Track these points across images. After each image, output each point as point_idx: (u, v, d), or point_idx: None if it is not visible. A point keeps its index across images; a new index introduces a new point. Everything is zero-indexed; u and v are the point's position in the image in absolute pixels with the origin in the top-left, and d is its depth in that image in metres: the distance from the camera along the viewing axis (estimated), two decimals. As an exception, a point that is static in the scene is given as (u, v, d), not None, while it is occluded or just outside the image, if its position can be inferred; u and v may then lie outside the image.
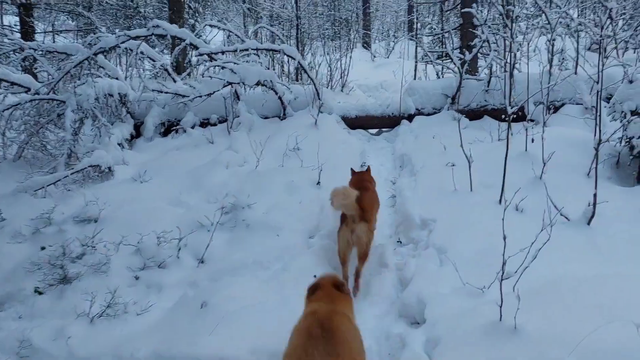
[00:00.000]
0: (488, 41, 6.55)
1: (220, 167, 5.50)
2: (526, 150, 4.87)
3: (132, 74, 7.75)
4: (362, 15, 19.29)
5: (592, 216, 3.52)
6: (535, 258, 2.54)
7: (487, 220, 3.81)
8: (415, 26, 14.43)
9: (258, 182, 4.93)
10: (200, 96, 6.24)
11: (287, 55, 6.68)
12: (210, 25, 8.19)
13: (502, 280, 2.51)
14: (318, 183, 4.85)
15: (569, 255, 3.16)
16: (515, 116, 7.12)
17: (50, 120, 6.23)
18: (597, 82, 3.67)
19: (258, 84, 6.56)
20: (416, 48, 13.52)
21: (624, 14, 12.93)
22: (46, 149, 6.41)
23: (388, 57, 18.14)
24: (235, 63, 6.41)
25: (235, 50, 6.15)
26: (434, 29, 13.85)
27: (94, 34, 14.59)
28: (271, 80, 6.63)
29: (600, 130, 3.66)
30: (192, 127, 7.18)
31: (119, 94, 6.75)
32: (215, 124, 7.30)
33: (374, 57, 18.12)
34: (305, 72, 6.93)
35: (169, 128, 7.31)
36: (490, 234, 3.56)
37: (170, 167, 5.76)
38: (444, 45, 12.01)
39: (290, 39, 12.79)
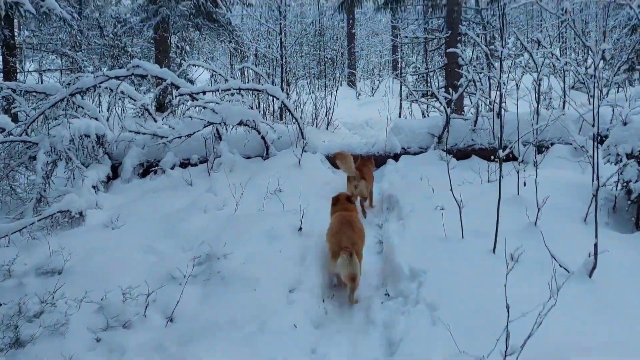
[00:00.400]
0: (474, 81, 6.46)
1: (197, 212, 5.21)
2: (518, 193, 4.67)
3: (113, 114, 7.54)
4: (347, 54, 19.47)
5: (594, 268, 3.29)
6: (540, 325, 2.27)
7: (481, 272, 3.55)
8: (399, 65, 14.53)
9: (236, 228, 4.64)
10: (180, 137, 6.00)
11: (271, 95, 6.51)
12: (194, 65, 8.02)
13: (505, 356, 2.23)
14: (300, 229, 4.58)
15: (574, 313, 2.90)
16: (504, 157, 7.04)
17: (22, 163, 5.93)
18: (593, 125, 3.50)
19: (240, 124, 6.36)
20: (401, 87, 13.57)
21: (603, 51, 13.09)
22: (15, 193, 6.08)
23: (373, 96, 18.21)
24: (217, 103, 6.23)
25: (217, 90, 5.97)
26: (418, 68, 13.94)
27: (82, 72, 14.49)
28: (254, 120, 6.44)
29: (598, 176, 3.46)
30: (172, 168, 6.92)
31: (96, 134, 6.50)
32: (196, 164, 7.06)
33: (359, 95, 18.18)
34: (289, 111, 6.77)
35: (147, 169, 7.04)
36: (486, 288, 3.30)
37: (145, 211, 5.46)
38: (428, 84, 12.04)
39: (276, 77, 12.75)
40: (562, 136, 7.04)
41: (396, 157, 7.27)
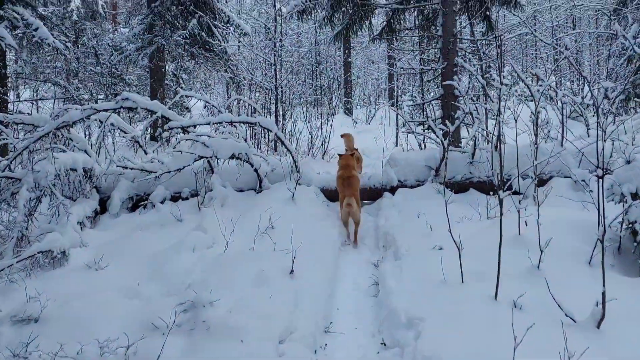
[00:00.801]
0: (471, 113, 6.34)
1: (185, 251, 4.99)
2: (519, 233, 4.48)
3: (105, 144, 7.38)
4: (343, 82, 19.54)
5: (602, 318, 3.08)
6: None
7: (483, 321, 3.34)
8: (395, 94, 14.51)
9: (225, 270, 4.43)
10: (169, 172, 5.82)
11: (264, 128, 6.37)
12: (186, 96, 7.91)
13: None
14: (291, 272, 4.36)
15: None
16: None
17: (3, 200, 5.73)
18: (598, 167, 3.34)
19: (232, 157, 6.20)
20: (397, 115, 13.51)
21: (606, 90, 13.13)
22: (-4, 231, 5.85)
23: (369, 124, 18.18)
24: (208, 136, 6.08)
25: (209, 123, 5.83)
26: (414, 97, 13.92)
27: (75, 101, 14.37)
28: (246, 153, 6.28)
29: (604, 222, 3.29)
30: (162, 202, 6.73)
31: (83, 168, 6.33)
32: (187, 198, 6.88)
33: (356, 123, 18.15)
34: (283, 144, 6.62)
35: (137, 202, 6.85)
36: (488, 340, 3.09)
37: (131, 250, 5.24)
38: (425, 113, 11.97)
39: (272, 104, 12.70)
40: (561, 169, 6.90)
41: (393, 190, 7.11)
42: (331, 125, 11.22)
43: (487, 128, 7.61)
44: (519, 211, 4.45)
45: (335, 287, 4.62)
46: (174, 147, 5.93)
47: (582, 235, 4.37)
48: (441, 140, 6.68)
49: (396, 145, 13.46)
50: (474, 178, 7.04)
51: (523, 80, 6.42)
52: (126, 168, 5.91)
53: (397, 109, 13.85)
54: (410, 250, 4.86)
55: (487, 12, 9.31)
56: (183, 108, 19.36)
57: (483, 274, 3.96)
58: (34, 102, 15.84)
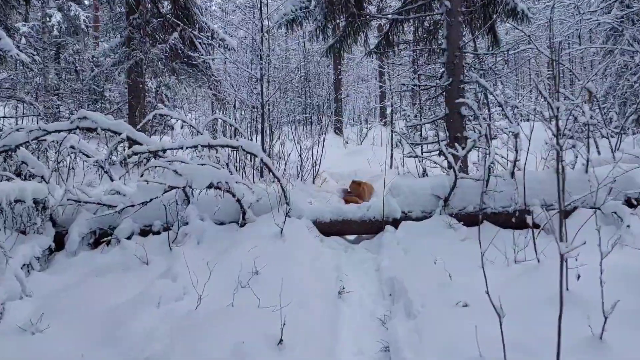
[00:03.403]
0: (486, 135, 5.51)
1: (149, 306, 4.02)
2: (567, 288, 3.59)
3: (59, 172, 6.42)
4: (333, 100, 18.79)
5: None
6: None
7: None
8: (390, 112, 13.74)
9: (195, 336, 3.47)
10: (133, 205, 4.87)
11: (247, 152, 5.46)
12: (160, 115, 6.99)
13: None
14: (280, 342, 3.40)
15: None
16: (514, 220, 6.02)
17: None
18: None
19: (210, 187, 5.28)
20: (391, 136, 12.70)
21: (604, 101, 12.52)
22: None
23: (361, 144, 17.39)
24: (182, 162, 5.16)
25: (182, 148, 4.91)
26: (409, 116, 13.16)
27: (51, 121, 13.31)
28: (226, 182, 5.36)
29: None
30: (130, 237, 5.77)
31: (34, 199, 5.35)
32: (159, 232, 5.91)
33: (347, 143, 17.36)
34: (270, 171, 5.72)
35: (100, 238, 5.85)
36: None
37: (83, 303, 4.25)
38: (421, 135, 11.17)
39: (258, 124, 11.84)
40: (585, 199, 6.07)
41: (395, 223, 6.21)
42: (322, 147, 10.37)
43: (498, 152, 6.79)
44: (565, 259, 3.55)
45: (336, 355, 3.66)
46: (141, 175, 4.99)
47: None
48: (452, 166, 5.82)
49: (391, 167, 12.64)
50: (488, 209, 6.18)
51: (546, 98, 5.62)
52: (79, 202, 4.94)
53: (392, 129, 13.07)
54: (427, 305, 3.94)
55: (493, 25, 8.59)
56: (166, 127, 18.40)
57: (529, 348, 3.06)
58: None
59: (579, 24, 12.03)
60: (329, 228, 6.30)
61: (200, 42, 13.14)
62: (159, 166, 4.90)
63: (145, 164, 4.96)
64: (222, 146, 5.18)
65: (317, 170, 10.33)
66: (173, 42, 12.57)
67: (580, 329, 3.13)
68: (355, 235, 6.59)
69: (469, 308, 3.69)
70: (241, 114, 11.65)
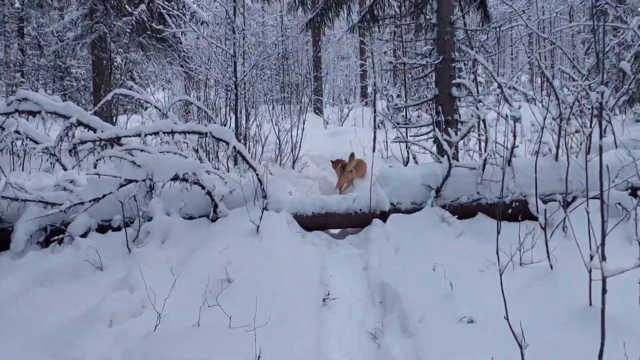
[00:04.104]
0: (484, 121, 4.97)
1: (99, 325, 3.40)
2: (590, 303, 3.10)
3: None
4: (313, 79, 18.05)
5: None
6: None
7: None
8: (373, 92, 13.11)
9: (152, 369, 2.87)
10: (82, 203, 4.18)
11: (218, 139, 4.80)
12: (122, 95, 6.24)
13: None
14: (256, 375, 2.83)
15: None
16: (510, 211, 5.55)
17: None
18: None
19: (176, 179, 4.62)
20: (375, 117, 12.13)
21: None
22: None
23: (342, 125, 16.76)
24: (142, 150, 4.48)
25: (139, 135, 4.22)
26: (391, 96, 12.57)
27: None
28: (194, 173, 4.71)
29: None
30: (86, 234, 5.10)
31: (-31, 192, 4.61)
32: (119, 228, 5.22)
33: (327, 123, 16.70)
34: (245, 159, 5.08)
35: (52, 236, 5.15)
36: None
37: (24, 320, 3.61)
38: (405, 116, 10.62)
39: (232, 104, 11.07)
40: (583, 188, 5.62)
41: (384, 216, 5.66)
42: (302, 129, 9.71)
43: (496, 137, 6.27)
44: (590, 272, 3.05)
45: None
46: (94, 166, 4.29)
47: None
48: (446, 153, 5.27)
49: (374, 151, 12.09)
50: (483, 200, 5.68)
51: (554, 88, 5.08)
52: (16, 200, 4.23)
53: (374, 110, 12.48)
54: (426, 319, 3.41)
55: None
56: (137, 106, 17.37)
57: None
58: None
59: (565, 2, 11.59)
60: (311, 222, 5.72)
61: (169, 15, 12.22)
62: (114, 156, 4.21)
63: (100, 152, 4.26)
64: (188, 132, 4.51)
65: (297, 154, 9.69)
66: (140, 14, 11.64)
67: (613, 354, 2.64)
68: (340, 230, 6.03)
69: (476, 325, 3.18)
70: (215, 94, 10.87)
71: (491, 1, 10.05)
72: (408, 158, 9.94)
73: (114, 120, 12.37)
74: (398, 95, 12.68)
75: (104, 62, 11.64)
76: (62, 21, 14.34)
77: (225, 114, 10.80)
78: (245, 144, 9.47)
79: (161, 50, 12.24)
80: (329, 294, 4.21)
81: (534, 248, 4.20)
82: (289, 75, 15.36)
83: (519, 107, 4.90)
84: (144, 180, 4.35)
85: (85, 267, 4.30)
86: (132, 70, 16.50)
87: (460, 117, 7.47)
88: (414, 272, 4.19)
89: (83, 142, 4.02)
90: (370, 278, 4.56)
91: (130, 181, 4.28)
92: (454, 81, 6.02)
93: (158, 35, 11.43)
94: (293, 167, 9.48)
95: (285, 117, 11.64)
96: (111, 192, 4.23)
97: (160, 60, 12.45)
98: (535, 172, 4.86)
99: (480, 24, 8.38)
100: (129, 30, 11.42)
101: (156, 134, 4.27)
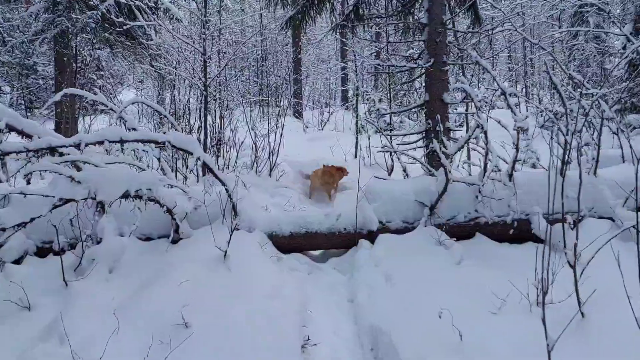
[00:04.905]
0: (486, 132, 4.35)
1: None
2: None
3: None
4: (292, 82, 17.34)
5: None
6: None
7: None
8: (355, 96, 12.49)
9: None
10: (3, 229, 3.40)
11: (179, 150, 4.05)
12: (78, 96, 5.45)
13: None
14: None
15: None
16: (512, 232, 4.98)
17: None
18: None
19: (126, 196, 3.86)
20: (357, 122, 11.51)
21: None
22: None
23: (322, 129, 16.09)
24: (85, 162, 3.71)
25: (77, 145, 3.46)
26: (373, 100, 11.96)
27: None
28: (149, 189, 3.96)
29: None
30: (21, 259, 4.32)
31: None
32: (63, 251, 4.42)
33: (307, 127, 16.02)
34: (212, 172, 4.35)
35: (-19, 259, 4.34)
36: None
37: None
38: (389, 122, 10.03)
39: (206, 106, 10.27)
40: (594, 206, 5.07)
41: (371, 236, 5.00)
42: (281, 134, 8.99)
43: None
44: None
45: None
46: (28, 182, 3.51)
47: None
48: (444, 166, 4.63)
49: (355, 157, 11.46)
50: (481, 218, 5.06)
51: (561, 95, 4.48)
52: None
53: (356, 114, 11.86)
54: (430, 381, 2.74)
55: (475, 1, 7.42)
56: (100, 110, 16.39)
57: None
58: None
59: (549, 9, 11.25)
60: (288, 243, 5.02)
61: (140, 10, 11.38)
62: (47, 170, 3.44)
63: (27, 167, 3.47)
64: (142, 142, 3.77)
65: (274, 161, 8.97)
66: (107, 9, 10.77)
67: None
68: (321, 251, 5.35)
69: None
70: (187, 95, 10.07)
71: (481, 5, 9.55)
72: (392, 166, 9.33)
73: (77, 122, 11.46)
74: (381, 100, 12.08)
75: (66, 58, 10.73)
76: (20, 14, 13.32)
77: (200, 118, 10.02)
78: (219, 149, 8.73)
79: (130, 48, 11.38)
80: (308, 339, 3.51)
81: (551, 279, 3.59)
82: (267, 76, 14.63)
83: (526, 118, 4.29)
84: (84, 200, 3.58)
85: (9, 306, 3.50)
86: (101, 68, 15.56)
87: (451, 125, 6.87)
88: (411, 312, 3.52)
89: (5, 154, 3.25)
90: (357, 316, 3.87)
91: (68, 201, 3.51)
92: (454, 86, 5.40)
93: (125, 31, 10.58)
94: (270, 175, 8.76)
95: (262, 121, 10.92)
96: (41, 215, 3.45)
97: (129, 58, 11.59)
98: (549, 188, 4.24)
99: (472, 26, 7.82)
100: (94, 25, 10.54)
101: (101, 143, 3.52)
